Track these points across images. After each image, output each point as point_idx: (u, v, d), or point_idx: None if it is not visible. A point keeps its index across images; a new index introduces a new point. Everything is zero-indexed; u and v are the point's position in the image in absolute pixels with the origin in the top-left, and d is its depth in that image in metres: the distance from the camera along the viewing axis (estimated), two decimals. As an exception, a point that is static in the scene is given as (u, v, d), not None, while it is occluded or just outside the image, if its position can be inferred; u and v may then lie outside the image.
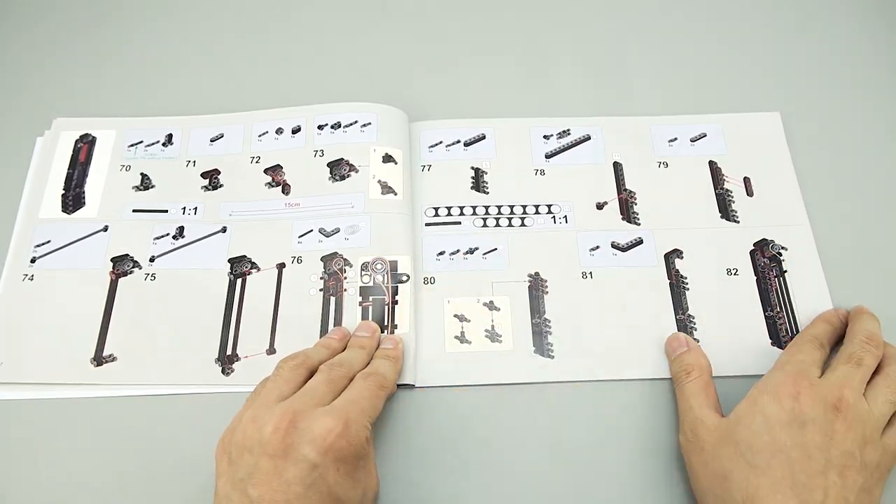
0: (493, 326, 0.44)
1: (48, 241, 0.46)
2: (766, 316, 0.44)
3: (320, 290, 0.44)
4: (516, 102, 0.52)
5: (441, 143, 0.50)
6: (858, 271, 0.45)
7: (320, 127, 0.50)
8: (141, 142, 0.50)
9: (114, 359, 0.43)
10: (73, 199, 0.48)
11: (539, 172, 0.49)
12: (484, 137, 0.50)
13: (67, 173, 0.49)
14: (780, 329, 0.43)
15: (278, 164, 0.49)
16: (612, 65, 0.54)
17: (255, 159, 0.49)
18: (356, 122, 0.49)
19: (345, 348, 0.41)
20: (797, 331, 0.43)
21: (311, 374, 0.38)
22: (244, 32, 0.56)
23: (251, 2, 0.58)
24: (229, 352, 0.43)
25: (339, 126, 0.50)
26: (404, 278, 0.44)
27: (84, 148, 0.50)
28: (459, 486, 0.39)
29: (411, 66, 0.54)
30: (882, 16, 0.56)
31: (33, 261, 0.46)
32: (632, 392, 0.42)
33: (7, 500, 0.39)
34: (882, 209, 0.48)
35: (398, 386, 0.42)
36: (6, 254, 0.46)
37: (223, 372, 0.42)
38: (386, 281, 0.44)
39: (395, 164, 0.48)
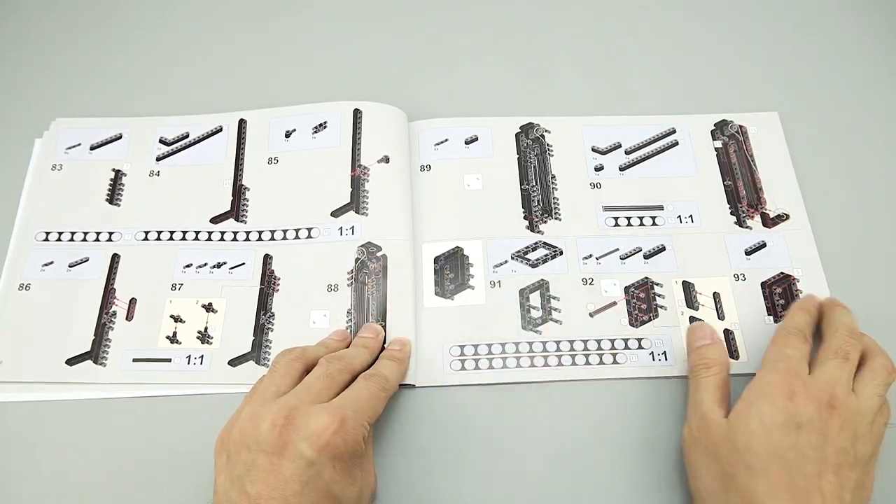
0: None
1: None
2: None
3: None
4: (516, 102, 0.52)
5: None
6: (858, 270, 0.45)
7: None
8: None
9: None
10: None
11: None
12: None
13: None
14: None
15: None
16: (612, 64, 0.54)
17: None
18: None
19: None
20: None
21: (308, 370, 0.38)
22: (243, 32, 0.56)
23: (251, 2, 0.58)
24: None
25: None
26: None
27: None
28: (459, 486, 0.39)
29: (411, 66, 0.54)
30: (881, 14, 0.56)
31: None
32: (632, 391, 0.42)
33: (8, 500, 0.39)
34: (882, 208, 0.48)
35: (400, 386, 0.42)
36: (6, 254, 0.46)
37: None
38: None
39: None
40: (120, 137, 0.50)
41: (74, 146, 0.50)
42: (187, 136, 0.50)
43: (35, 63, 0.55)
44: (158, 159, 0.50)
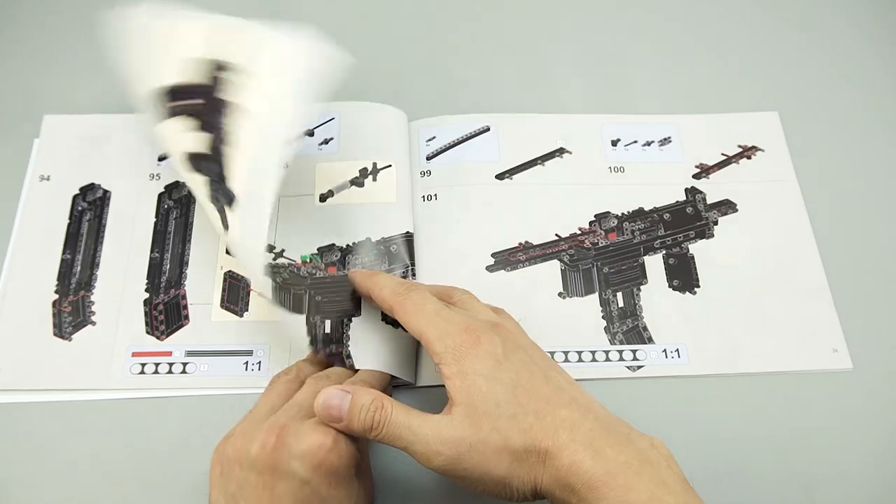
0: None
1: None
2: None
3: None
4: (516, 102, 0.52)
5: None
6: (860, 270, 0.46)
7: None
8: None
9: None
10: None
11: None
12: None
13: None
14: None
15: None
16: (612, 65, 0.54)
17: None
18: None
19: None
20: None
21: None
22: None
23: (250, 2, 0.58)
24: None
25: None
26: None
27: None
28: (459, 486, 0.39)
29: (410, 66, 0.54)
30: (880, 14, 0.56)
31: None
32: (630, 390, 0.42)
33: (8, 500, 0.39)
34: (882, 208, 0.48)
35: (397, 386, 0.42)
36: (5, 257, 0.46)
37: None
38: None
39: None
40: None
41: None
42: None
43: (28, 59, 0.54)
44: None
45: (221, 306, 0.44)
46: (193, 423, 0.41)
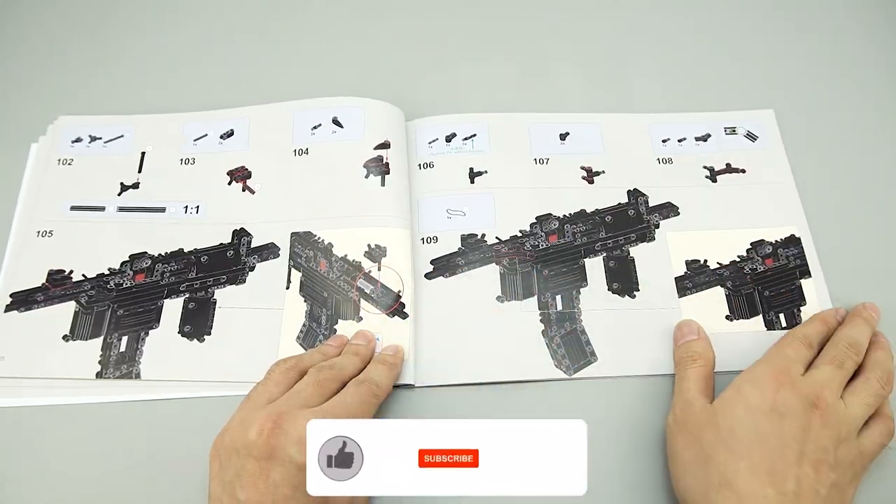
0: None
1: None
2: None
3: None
4: (514, 101, 0.52)
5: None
6: (857, 267, 0.46)
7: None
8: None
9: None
10: None
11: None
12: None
13: None
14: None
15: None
16: (610, 64, 0.54)
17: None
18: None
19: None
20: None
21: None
22: (243, 31, 0.56)
23: (252, 1, 0.58)
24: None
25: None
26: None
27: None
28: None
29: (409, 65, 0.54)
30: (878, 13, 0.56)
31: None
32: (632, 389, 0.42)
33: (8, 501, 0.39)
34: (879, 205, 0.48)
35: (397, 386, 0.42)
36: (4, 256, 0.46)
37: None
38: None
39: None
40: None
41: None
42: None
43: (37, 60, 0.55)
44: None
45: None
46: (194, 423, 0.41)
